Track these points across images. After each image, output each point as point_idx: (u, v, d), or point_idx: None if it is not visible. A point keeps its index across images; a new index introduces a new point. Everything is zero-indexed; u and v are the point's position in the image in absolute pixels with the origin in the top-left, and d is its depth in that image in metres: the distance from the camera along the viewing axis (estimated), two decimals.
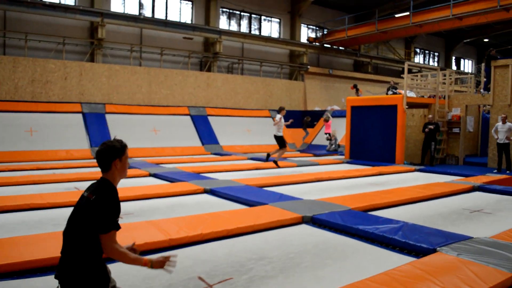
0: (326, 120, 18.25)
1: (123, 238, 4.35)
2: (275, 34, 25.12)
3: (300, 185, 9.31)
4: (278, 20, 25.25)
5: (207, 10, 22.04)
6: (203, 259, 4.36)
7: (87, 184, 8.98)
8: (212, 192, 8.12)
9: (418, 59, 33.35)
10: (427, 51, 33.99)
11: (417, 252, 4.52)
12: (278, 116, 12.46)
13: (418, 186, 8.80)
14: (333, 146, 18.59)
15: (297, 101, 24.05)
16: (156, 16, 21.01)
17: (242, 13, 23.94)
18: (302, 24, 26.14)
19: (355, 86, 19.80)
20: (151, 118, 18.35)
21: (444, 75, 15.55)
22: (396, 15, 21.48)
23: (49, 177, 9.56)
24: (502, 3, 16.54)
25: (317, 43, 25.28)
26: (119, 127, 17.02)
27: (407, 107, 14.65)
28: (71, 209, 2.65)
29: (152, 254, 4.21)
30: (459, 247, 4.43)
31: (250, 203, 6.99)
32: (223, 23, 23.20)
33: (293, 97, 23.88)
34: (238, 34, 22.35)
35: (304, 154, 18.01)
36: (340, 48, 26.48)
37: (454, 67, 35.48)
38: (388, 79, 20.95)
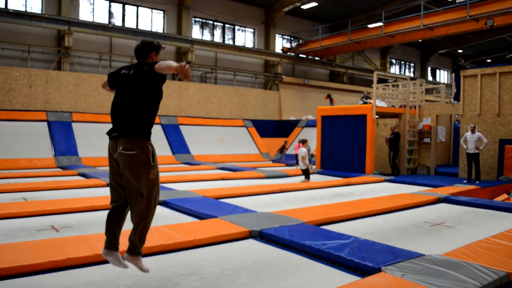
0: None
1: (52, 253, 4.28)
2: (249, 44, 24.91)
3: (261, 196, 8.95)
4: (252, 30, 25.06)
5: (179, 19, 21.72)
6: (129, 273, 3.98)
7: (37, 194, 8.50)
8: (165, 204, 7.72)
9: (394, 69, 33.51)
10: (403, 62, 34.18)
11: (362, 271, 4.19)
12: (304, 150, 11.62)
13: (382, 198, 8.52)
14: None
15: (272, 110, 23.81)
16: (126, 25, 20.61)
17: (215, 23, 23.69)
18: (277, 34, 26.01)
19: (328, 96, 19.65)
20: None
21: (416, 85, 15.46)
22: (369, 26, 21.46)
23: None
24: (471, 14, 16.58)
25: (291, 53, 25.14)
26: (86, 136, 16.54)
27: (377, 117, 14.50)
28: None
29: (77, 269, 4.13)
30: (406, 266, 4.11)
31: (201, 216, 6.62)
32: (196, 32, 22.90)
33: (268, 106, 23.64)
34: (211, 44, 22.07)
35: (277, 164, 17.71)
36: (316, 58, 26.39)
37: (430, 78, 35.74)
38: (363, 89, 20.86)
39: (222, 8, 23.45)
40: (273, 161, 19.47)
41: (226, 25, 24.09)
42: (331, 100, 19.05)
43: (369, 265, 4.15)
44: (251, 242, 5.33)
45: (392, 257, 4.39)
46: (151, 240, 4.79)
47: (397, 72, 33.38)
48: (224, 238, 5.31)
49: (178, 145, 18.55)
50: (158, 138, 18.35)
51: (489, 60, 33.34)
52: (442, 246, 5.20)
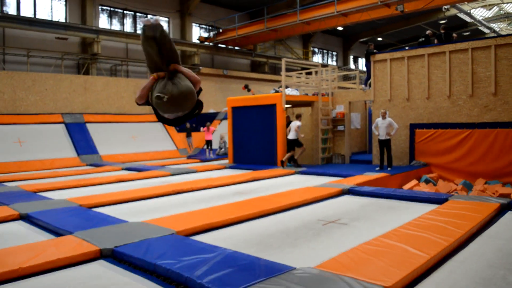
0: (207, 127, 17.13)
1: None
2: None
3: (148, 200, 7.92)
4: (166, 19, 23.73)
5: (83, 8, 20.00)
6: None
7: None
8: (27, 218, 6.51)
9: (317, 58, 33.45)
10: (325, 51, 34.20)
11: None
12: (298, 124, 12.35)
13: (282, 194, 7.81)
14: (223, 149, 17.49)
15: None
16: (22, 14, 18.64)
17: (125, 12, 22.13)
18: (194, 24, 24.88)
19: (246, 86, 18.92)
20: (15, 128, 16.09)
21: (328, 72, 15.02)
22: (284, 12, 20.90)
23: None
24: (383, 0, 16.40)
25: (209, 43, 24.11)
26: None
27: (290, 106, 13.90)
28: None
29: None
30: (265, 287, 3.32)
31: (59, 232, 5.52)
32: (104, 22, 21.26)
33: None
34: (119, 34, 20.56)
35: (191, 160, 16.72)
36: (236, 48, 25.55)
37: (352, 66, 36.09)
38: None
39: None
40: (190, 157, 18.43)
41: (138, 14, 22.60)
42: (249, 91, 18.33)
43: None
44: (98, 265, 4.33)
45: (253, 276, 3.57)
46: None
47: (320, 61, 33.32)
48: (64, 262, 4.27)
49: (84, 145, 17.00)
50: (60, 139, 16.76)
51: (407, 48, 34.11)
52: (324, 253, 4.48)
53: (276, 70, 28.74)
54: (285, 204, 6.85)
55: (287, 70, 26.37)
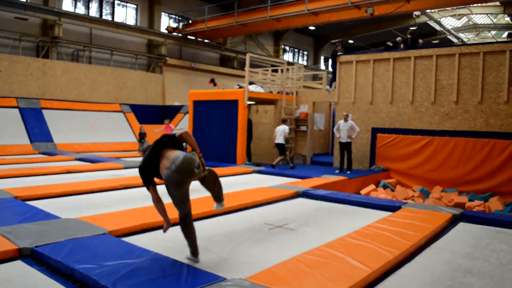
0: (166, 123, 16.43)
1: None
2: (131, 21, 22.87)
3: (90, 195, 7.45)
4: (135, 6, 23.03)
5: None
6: None
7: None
8: None
9: (288, 56, 33.28)
10: (296, 49, 34.07)
11: None
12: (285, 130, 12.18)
13: (234, 194, 7.50)
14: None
15: (155, 94, 22.13)
16: None
17: None
18: (163, 13, 24.24)
19: (212, 80, 18.45)
20: None
21: (298, 71, 14.80)
22: (255, 7, 20.56)
23: None
24: (353, 1, 16.28)
25: (178, 34, 23.52)
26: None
27: (253, 103, 13.61)
28: None
29: None
30: None
31: None
32: (68, 4, 20.39)
33: (149, 90, 21.91)
34: (83, 18, 19.75)
35: None
36: (206, 41, 25.05)
37: (323, 67, 36.10)
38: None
39: None
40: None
41: None
42: (215, 85, 17.89)
43: None
44: (14, 267, 3.90)
45: (182, 285, 3.25)
46: None
47: (290, 59, 33.17)
48: None
49: (38, 132, 16.26)
50: (13, 124, 15.96)
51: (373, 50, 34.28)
52: (263, 262, 4.19)
53: (245, 66, 28.37)
54: (235, 205, 6.54)
55: (255, 66, 26.05)
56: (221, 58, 27.29)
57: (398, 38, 13.35)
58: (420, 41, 12.95)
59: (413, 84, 11.73)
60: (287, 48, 33.12)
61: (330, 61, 13.52)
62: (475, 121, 10.87)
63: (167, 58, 22.85)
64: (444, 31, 31.56)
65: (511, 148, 10.24)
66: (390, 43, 12.96)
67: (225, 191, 8.41)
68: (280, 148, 12.31)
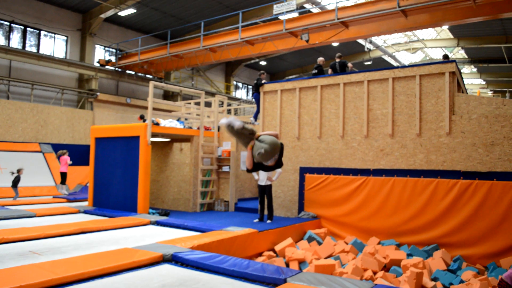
0: (62, 154, 14.26)
1: None
2: (61, 54, 20.90)
3: None
4: (65, 37, 21.13)
5: None
6: None
7: None
8: None
9: (241, 93, 31.70)
10: (250, 86, 32.54)
11: None
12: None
13: (79, 259, 5.39)
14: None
15: (84, 133, 19.90)
16: None
17: (12, 25, 19.35)
18: (98, 45, 22.37)
19: (142, 117, 16.53)
20: None
21: (221, 103, 12.96)
22: (188, 38, 18.96)
23: None
24: (288, 27, 14.77)
25: (111, 67, 21.62)
26: None
27: (168, 139, 11.65)
28: None
29: None
30: None
31: None
32: None
33: (77, 128, 19.70)
34: (2, 49, 17.67)
35: (57, 200, 13.87)
36: (148, 76, 23.19)
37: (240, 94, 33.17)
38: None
39: (23, 7, 19.24)
40: (69, 195, 15.53)
41: (29, 29, 19.87)
42: (145, 121, 15.94)
43: None
44: None
45: None
46: None
47: (244, 96, 31.58)
48: None
49: None
50: None
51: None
52: None
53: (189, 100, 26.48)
54: (60, 276, 4.43)
55: (206, 104, 24.25)
56: (164, 94, 25.42)
57: (320, 59, 11.65)
58: (350, 65, 11.33)
59: (343, 115, 10.00)
60: (240, 84, 31.59)
61: (252, 91, 11.72)
62: (414, 157, 9.11)
63: (98, 94, 20.80)
64: (400, 66, 30.61)
65: (456, 190, 8.46)
66: (315, 70, 11.24)
67: (90, 251, 6.36)
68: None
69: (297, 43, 15.14)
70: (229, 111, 17.25)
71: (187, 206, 11.49)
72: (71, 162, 14.58)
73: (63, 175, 14.51)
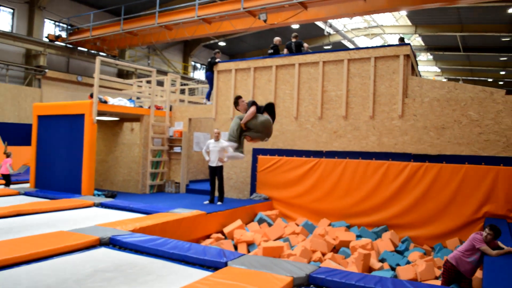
0: (7, 156, 12.58)
1: None
2: (7, 27, 19.69)
3: None
4: (11, 10, 19.90)
5: None
6: None
7: None
8: None
9: (199, 74, 31.10)
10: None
11: None
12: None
13: (19, 241, 4.98)
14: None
15: (30, 111, 18.87)
16: None
17: None
18: (48, 20, 21.23)
19: (92, 96, 15.79)
20: None
21: (173, 82, 12.53)
22: (143, 14, 18.24)
23: None
24: (246, 6, 14.39)
25: (61, 43, 20.58)
26: None
27: (116, 118, 11.15)
28: None
29: None
30: None
31: None
32: None
33: (23, 106, 18.70)
34: None
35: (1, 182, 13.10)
36: (101, 53, 22.23)
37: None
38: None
39: None
40: (9, 176, 14.70)
41: None
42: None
43: None
44: None
45: None
46: None
47: (202, 77, 31.00)
48: None
49: None
50: None
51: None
52: None
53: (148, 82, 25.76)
54: None
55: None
56: (118, 73, 24.53)
57: (276, 39, 11.40)
58: (306, 45, 11.13)
59: (298, 96, 9.82)
60: (198, 65, 30.96)
61: (205, 70, 11.31)
62: (366, 139, 9.06)
63: (47, 71, 19.79)
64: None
65: (406, 172, 8.47)
66: (270, 50, 10.96)
67: (22, 234, 5.93)
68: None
69: (255, 22, 14.76)
70: (182, 91, 16.75)
71: (136, 188, 11.09)
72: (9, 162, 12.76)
73: (6, 177, 12.70)
